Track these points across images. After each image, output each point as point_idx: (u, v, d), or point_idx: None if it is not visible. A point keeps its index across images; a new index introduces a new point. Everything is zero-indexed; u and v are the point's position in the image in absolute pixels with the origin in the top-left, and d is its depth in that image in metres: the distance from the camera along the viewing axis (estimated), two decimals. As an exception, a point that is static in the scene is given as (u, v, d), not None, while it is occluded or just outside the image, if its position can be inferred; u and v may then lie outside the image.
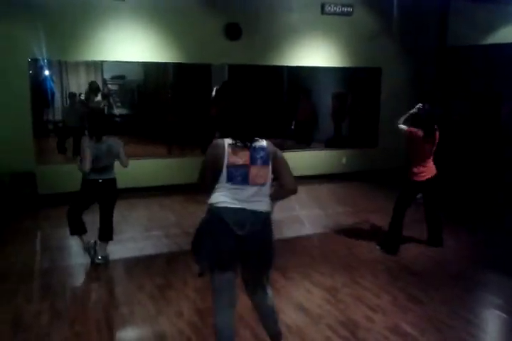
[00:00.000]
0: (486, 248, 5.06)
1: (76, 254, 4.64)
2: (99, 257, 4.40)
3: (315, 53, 8.14)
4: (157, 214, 6.10)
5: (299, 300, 3.73)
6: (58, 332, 3.24)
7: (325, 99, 9.13)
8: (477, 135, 7.87)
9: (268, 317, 2.84)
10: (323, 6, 7.96)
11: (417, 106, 4.84)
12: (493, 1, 8.94)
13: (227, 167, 2.56)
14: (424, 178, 4.69)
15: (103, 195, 4.37)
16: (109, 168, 4.33)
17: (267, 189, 2.65)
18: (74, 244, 4.77)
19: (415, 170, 4.69)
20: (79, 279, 4.28)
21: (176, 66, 7.40)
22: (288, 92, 8.38)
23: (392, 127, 4.97)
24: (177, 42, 7.14)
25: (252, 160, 2.59)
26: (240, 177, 2.56)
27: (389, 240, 4.84)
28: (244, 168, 2.57)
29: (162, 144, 7.63)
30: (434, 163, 4.79)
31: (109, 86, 7.82)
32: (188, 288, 3.89)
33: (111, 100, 7.72)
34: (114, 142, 4.33)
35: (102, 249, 4.43)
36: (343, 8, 8.12)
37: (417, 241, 5.09)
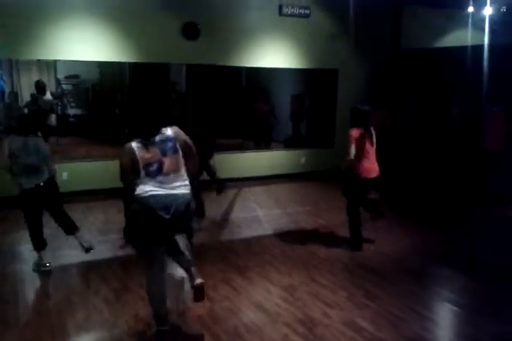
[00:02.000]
0: (439, 244, 5.21)
1: (29, 260, 4.48)
2: (47, 264, 4.28)
3: (273, 54, 8.18)
4: (114, 217, 5.97)
5: (258, 299, 3.73)
6: (9, 339, 3.11)
7: (284, 100, 9.21)
8: (429, 135, 8.12)
9: (181, 258, 3.15)
10: (280, 8, 8.02)
11: None
12: (445, 5, 9.28)
13: (143, 166, 2.85)
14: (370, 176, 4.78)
15: (48, 197, 4.26)
16: (41, 169, 4.16)
17: (183, 174, 2.97)
18: (26, 249, 4.60)
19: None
20: (31, 285, 4.13)
21: (133, 65, 7.27)
22: (246, 93, 8.38)
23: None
24: (133, 42, 7.02)
25: (163, 153, 2.89)
26: (156, 170, 2.87)
27: (352, 237, 4.93)
28: (158, 162, 2.87)
29: (118, 145, 7.46)
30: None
31: (63, 86, 7.61)
32: (144, 291, 3.81)
33: (65, 100, 7.51)
34: (42, 143, 4.23)
35: (81, 240, 4.40)
36: (300, 10, 8.21)
37: (372, 239, 5.20)
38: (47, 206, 4.31)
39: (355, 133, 4.68)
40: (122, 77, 7.53)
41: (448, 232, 5.62)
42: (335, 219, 5.87)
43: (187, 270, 3.14)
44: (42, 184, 4.15)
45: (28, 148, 4.09)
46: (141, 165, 2.85)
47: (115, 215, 6.03)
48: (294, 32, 8.26)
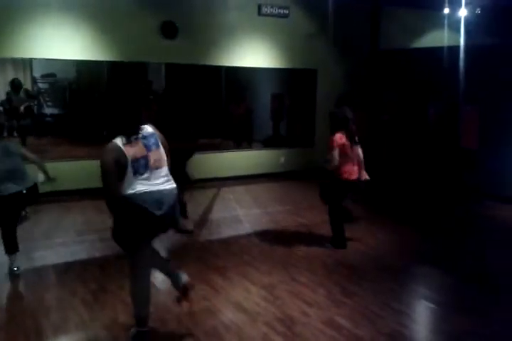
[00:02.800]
0: (418, 242, 5.28)
1: (3, 263, 4.39)
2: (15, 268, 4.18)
3: (253, 54, 8.19)
4: (92, 218, 5.90)
5: (237, 299, 3.73)
6: (-19, 344, 3.06)
7: (264, 100, 9.23)
8: (407, 133, 8.23)
9: (162, 264, 3.24)
10: (259, 7, 8.03)
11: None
12: (422, 7, 9.42)
13: (131, 163, 2.82)
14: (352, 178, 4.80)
15: (20, 206, 4.17)
16: (19, 172, 4.00)
17: (167, 168, 2.99)
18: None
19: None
20: (5, 286, 4.05)
21: (110, 64, 7.20)
22: (226, 92, 8.37)
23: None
24: (111, 40, 6.94)
25: (148, 148, 2.89)
26: (142, 167, 2.85)
27: (334, 236, 4.95)
28: (145, 157, 2.86)
29: (96, 145, 7.37)
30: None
31: (40, 84, 7.49)
32: (123, 292, 3.76)
33: (41, 99, 7.39)
34: (11, 143, 4.11)
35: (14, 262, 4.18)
36: (279, 10, 8.23)
37: (351, 237, 5.24)
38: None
39: (338, 138, 4.67)
40: (100, 75, 7.45)
41: (426, 230, 5.70)
42: (315, 218, 5.90)
43: (170, 272, 3.19)
44: (24, 191, 4.00)
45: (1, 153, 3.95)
46: (129, 161, 2.80)
47: (93, 216, 5.97)
48: (273, 32, 8.28)
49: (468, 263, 4.63)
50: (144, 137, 2.91)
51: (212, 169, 7.84)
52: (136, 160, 2.83)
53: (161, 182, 2.93)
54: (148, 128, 2.97)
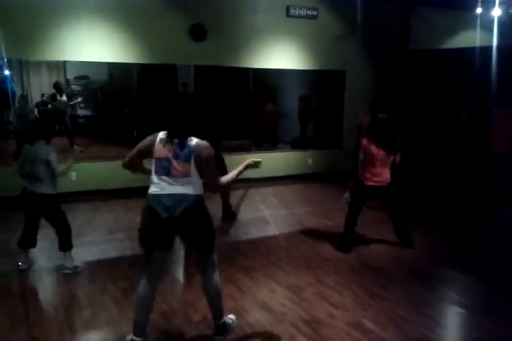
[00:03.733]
0: (446, 246, 5.20)
1: (38, 257, 4.54)
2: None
3: (281, 56, 8.21)
4: (122, 217, 6.03)
5: (264, 299, 3.75)
6: (16, 337, 3.16)
7: (292, 102, 9.23)
8: (437, 136, 8.10)
9: (213, 297, 3.10)
10: (288, 9, 8.05)
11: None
12: (453, 7, 9.25)
13: (155, 159, 2.86)
14: (373, 183, 4.76)
15: (39, 209, 4.19)
16: (36, 178, 4.06)
17: (192, 180, 2.85)
18: (37, 247, 4.65)
19: (366, 174, 4.78)
20: (40, 283, 4.18)
21: (141, 66, 7.34)
22: (254, 94, 8.41)
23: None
24: (141, 43, 7.08)
25: (175, 155, 2.83)
26: (163, 168, 2.84)
27: (342, 239, 4.95)
28: (168, 161, 2.83)
29: (127, 146, 7.52)
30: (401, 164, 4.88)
31: (73, 86, 7.69)
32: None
33: (74, 101, 7.58)
34: (45, 147, 4.08)
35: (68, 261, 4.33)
36: (307, 12, 8.23)
37: (379, 240, 5.20)
38: (45, 218, 4.27)
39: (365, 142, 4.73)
40: (131, 78, 7.61)
41: (455, 233, 5.61)
42: (340, 220, 5.84)
43: (215, 317, 3.15)
44: (29, 191, 4.09)
45: (28, 155, 4.06)
46: (154, 156, 2.85)
47: (122, 215, 6.10)
48: (302, 33, 8.28)
49: (498, 268, 4.53)
50: (179, 144, 2.82)
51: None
52: (159, 159, 2.84)
53: (177, 185, 2.82)
54: (192, 141, 2.84)
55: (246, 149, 8.26)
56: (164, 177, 2.83)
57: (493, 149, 7.02)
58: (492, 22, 8.87)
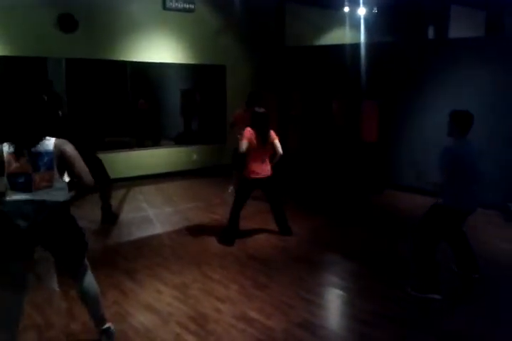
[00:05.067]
0: (327, 232, 5.47)
1: None
2: None
3: (159, 49, 8.00)
4: None
5: (148, 301, 3.63)
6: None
7: (173, 97, 9.07)
8: (313, 128, 8.50)
9: (92, 302, 2.90)
10: (164, 1, 7.86)
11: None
12: (322, 5, 9.76)
13: (7, 175, 2.56)
14: (257, 176, 4.87)
15: None
16: None
17: (57, 187, 2.64)
18: None
19: (250, 168, 4.88)
20: None
21: (4, 59, 6.67)
22: (132, 89, 8.09)
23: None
24: (5, 34, 6.43)
25: (35, 168, 2.57)
26: (22, 184, 2.56)
27: (225, 231, 4.99)
28: (27, 175, 2.56)
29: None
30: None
31: None
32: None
33: None
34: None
35: None
36: (184, 5, 8.11)
37: (262, 230, 5.32)
38: None
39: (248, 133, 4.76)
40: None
41: (332, 220, 5.92)
42: (226, 212, 5.88)
43: (96, 322, 2.96)
44: None
45: None
46: (6, 171, 2.58)
47: None
48: (180, 26, 8.15)
49: (370, 250, 4.85)
50: (36, 154, 2.57)
51: (121, 168, 7.56)
52: (13, 174, 2.57)
53: (41, 193, 2.59)
54: (48, 145, 2.60)
55: (128, 146, 7.95)
56: (24, 193, 2.58)
57: (365, 140, 7.53)
58: (359, 20, 9.53)
